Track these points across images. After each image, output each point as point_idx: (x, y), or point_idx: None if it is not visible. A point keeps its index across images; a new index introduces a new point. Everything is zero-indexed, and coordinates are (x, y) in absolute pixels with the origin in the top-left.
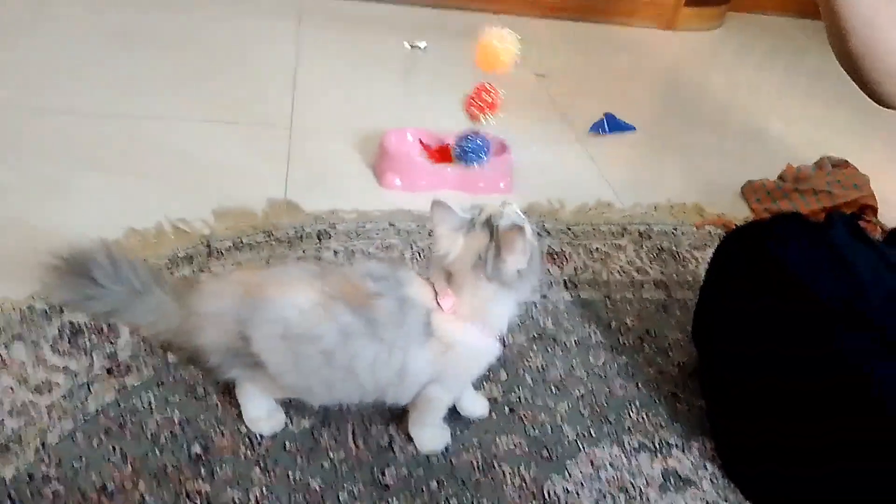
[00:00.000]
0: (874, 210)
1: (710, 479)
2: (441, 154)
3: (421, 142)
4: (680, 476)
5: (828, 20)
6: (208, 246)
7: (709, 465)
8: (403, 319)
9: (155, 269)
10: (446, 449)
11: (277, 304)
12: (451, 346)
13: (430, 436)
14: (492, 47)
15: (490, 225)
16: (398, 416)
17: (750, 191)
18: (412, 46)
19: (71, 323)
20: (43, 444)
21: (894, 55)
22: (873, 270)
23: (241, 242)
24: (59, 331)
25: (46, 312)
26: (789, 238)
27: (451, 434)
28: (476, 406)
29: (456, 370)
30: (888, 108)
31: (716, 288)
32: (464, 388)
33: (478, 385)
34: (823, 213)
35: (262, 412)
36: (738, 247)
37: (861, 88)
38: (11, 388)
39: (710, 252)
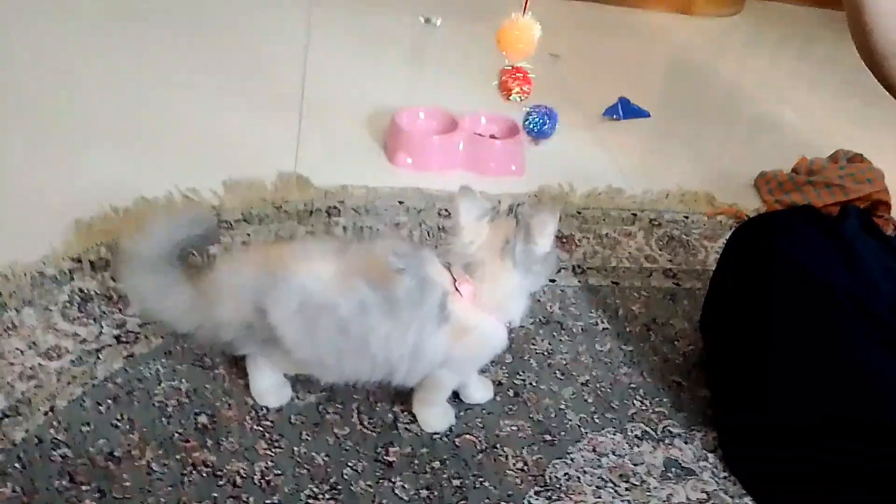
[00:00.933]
0: (887, 206)
1: (711, 471)
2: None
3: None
4: (681, 466)
5: (851, 16)
6: (218, 217)
7: (710, 457)
8: (422, 300)
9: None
10: (450, 429)
11: (297, 276)
12: (466, 332)
13: (435, 415)
14: (514, 34)
15: (514, 212)
16: (403, 394)
17: (762, 182)
18: (426, 21)
19: (80, 290)
20: (52, 409)
21: None
22: (884, 265)
23: (251, 215)
24: (68, 297)
25: (56, 278)
26: (800, 232)
27: (456, 415)
28: (479, 392)
29: (467, 356)
30: None
31: (726, 280)
32: (471, 373)
33: (483, 368)
34: (836, 207)
35: (269, 385)
36: (748, 239)
37: (883, 85)
38: (21, 351)
39: (720, 242)
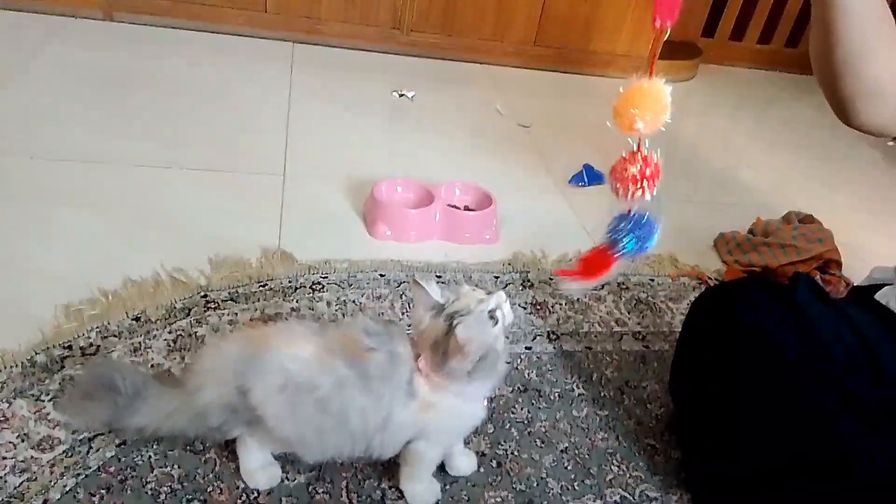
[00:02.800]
0: (838, 264)
1: None
2: (595, 263)
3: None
4: None
5: (819, 26)
6: (205, 297)
7: None
8: (392, 374)
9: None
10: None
11: (278, 357)
12: (431, 407)
13: (421, 491)
14: (647, 100)
15: (451, 319)
16: (390, 470)
17: (722, 243)
18: (400, 95)
19: (71, 377)
20: (45, 502)
21: (875, 75)
22: (834, 329)
23: (238, 293)
24: (59, 385)
25: (47, 366)
26: (756, 300)
27: (441, 488)
28: (463, 464)
29: (438, 429)
30: (855, 128)
31: (690, 347)
32: (452, 445)
33: (466, 438)
34: (791, 266)
35: (259, 466)
36: (708, 308)
37: (832, 104)
38: (13, 445)
39: (685, 303)
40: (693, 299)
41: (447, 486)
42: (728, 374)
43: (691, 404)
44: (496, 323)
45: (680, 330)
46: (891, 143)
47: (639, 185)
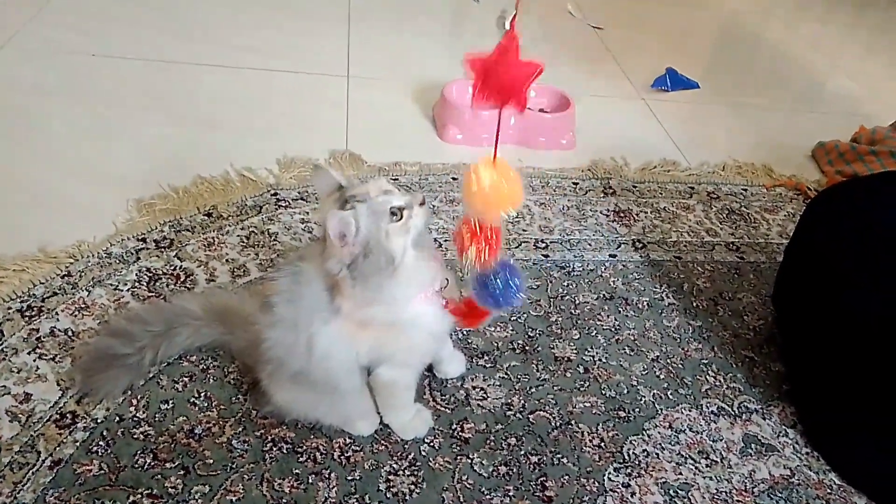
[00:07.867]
0: None
1: (793, 446)
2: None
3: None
4: (761, 442)
5: None
6: (275, 195)
7: (790, 432)
8: (299, 293)
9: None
10: (523, 405)
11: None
12: (366, 324)
13: (406, 420)
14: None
15: (344, 204)
16: (474, 372)
17: (822, 152)
18: None
19: (148, 269)
20: (130, 387)
21: None
22: None
23: (307, 192)
24: (136, 276)
25: (124, 258)
26: (882, 194)
27: (527, 390)
28: (450, 367)
29: (392, 350)
30: None
31: (803, 248)
32: (419, 364)
33: (550, 343)
34: None
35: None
36: (828, 206)
37: None
38: (96, 332)
39: (782, 214)
40: (789, 211)
41: (532, 389)
42: (844, 276)
43: (798, 315)
44: (398, 221)
45: (776, 242)
46: None
47: (481, 256)
